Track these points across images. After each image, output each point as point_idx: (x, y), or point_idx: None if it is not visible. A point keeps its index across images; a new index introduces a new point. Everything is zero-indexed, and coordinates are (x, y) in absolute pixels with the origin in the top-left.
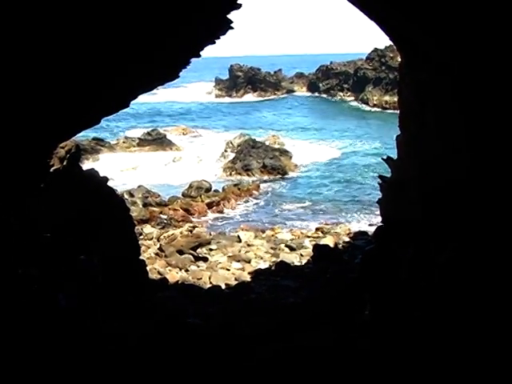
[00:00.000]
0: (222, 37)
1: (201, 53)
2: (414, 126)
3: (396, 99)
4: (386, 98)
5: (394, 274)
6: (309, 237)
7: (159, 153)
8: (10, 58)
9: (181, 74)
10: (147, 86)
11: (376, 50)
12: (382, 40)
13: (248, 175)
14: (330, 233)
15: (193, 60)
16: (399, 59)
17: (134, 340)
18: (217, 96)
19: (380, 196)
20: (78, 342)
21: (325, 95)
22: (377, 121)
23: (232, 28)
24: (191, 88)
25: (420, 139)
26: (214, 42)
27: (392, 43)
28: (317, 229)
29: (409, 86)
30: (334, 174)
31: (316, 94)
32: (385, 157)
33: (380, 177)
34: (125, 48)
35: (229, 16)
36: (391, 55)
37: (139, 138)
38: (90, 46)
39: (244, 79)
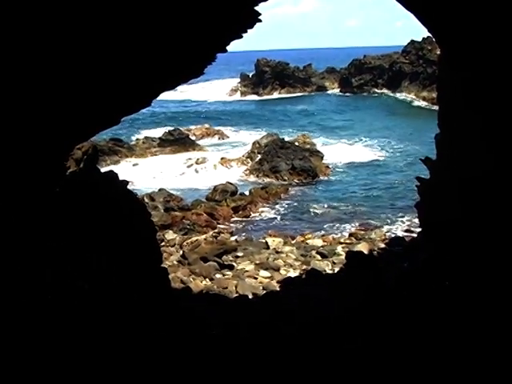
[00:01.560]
0: (249, 30)
1: (227, 47)
2: (456, 124)
3: (434, 95)
4: (424, 93)
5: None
6: (341, 243)
7: (181, 154)
8: (24, 52)
9: (205, 70)
10: (170, 83)
11: (413, 42)
12: (420, 31)
13: (276, 178)
14: (365, 239)
15: (218, 55)
16: (438, 52)
17: (155, 352)
18: (242, 93)
19: (418, 199)
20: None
21: (358, 91)
22: (415, 118)
23: (260, 21)
24: (215, 84)
25: (462, 139)
26: (241, 36)
27: (431, 35)
28: (350, 234)
29: (450, 83)
30: (369, 177)
31: (347, 94)
32: (423, 157)
33: (418, 179)
34: (146, 43)
35: (256, 8)
36: (429, 48)
37: (160, 138)
38: (109, 41)
39: (271, 75)
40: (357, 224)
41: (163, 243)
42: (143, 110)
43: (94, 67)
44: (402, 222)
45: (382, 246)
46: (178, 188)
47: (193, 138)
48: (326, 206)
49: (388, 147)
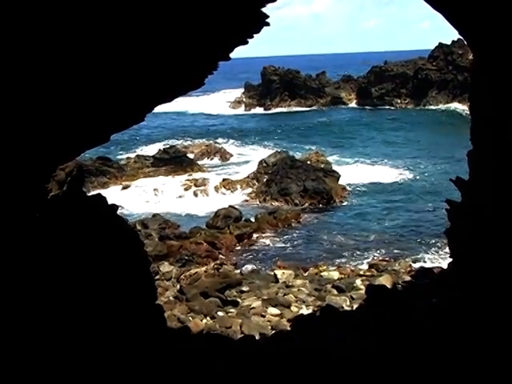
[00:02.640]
0: (255, 35)
1: (230, 55)
2: (492, 139)
3: (466, 106)
4: (454, 104)
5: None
6: (361, 276)
7: (178, 175)
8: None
9: (206, 80)
10: (167, 96)
11: (441, 45)
12: (449, 33)
13: (286, 201)
14: (387, 271)
15: (220, 63)
16: (470, 57)
17: None
18: (247, 105)
19: (448, 225)
20: None
21: (378, 102)
22: (447, 132)
23: (268, 24)
24: (216, 96)
25: (499, 156)
26: (247, 42)
27: (461, 37)
28: (370, 266)
29: (484, 92)
30: (392, 200)
31: (367, 107)
32: (454, 177)
33: (448, 202)
34: (140, 51)
35: (263, 9)
36: (460, 52)
37: (154, 157)
38: (97, 48)
39: (280, 84)
40: (378, 254)
41: (158, 276)
42: (135, 125)
43: (81, 75)
44: (429, 251)
45: (407, 278)
46: (174, 213)
47: (191, 156)
48: (342, 233)
49: (414, 166)
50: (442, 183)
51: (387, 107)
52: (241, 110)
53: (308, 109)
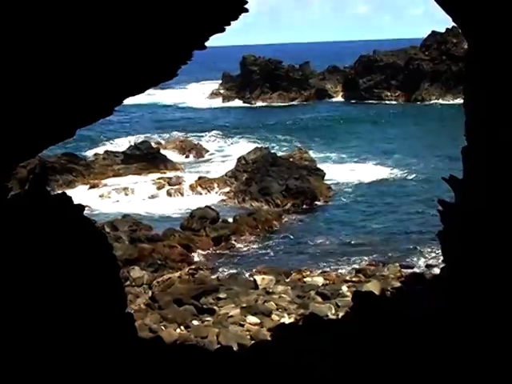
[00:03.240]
0: (232, 22)
1: (206, 43)
2: (487, 135)
3: (461, 99)
4: (448, 97)
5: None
6: (347, 281)
7: (150, 173)
8: None
9: (179, 70)
10: (136, 87)
11: (434, 34)
12: (442, 20)
13: (266, 202)
14: (375, 276)
15: (195, 53)
16: (466, 46)
17: None
18: (225, 98)
19: (441, 227)
20: None
21: (366, 95)
22: (437, 126)
23: (246, 10)
24: (192, 88)
25: (494, 152)
26: (224, 30)
27: (456, 25)
28: (358, 271)
29: (480, 84)
30: (380, 200)
31: (355, 100)
32: (447, 176)
33: (441, 202)
34: (107, 39)
35: None
36: (454, 41)
37: (124, 153)
38: (58, 32)
39: (260, 75)
40: (366, 258)
41: (128, 282)
42: (103, 119)
43: (43, 62)
44: (421, 255)
45: (397, 284)
46: (146, 214)
47: (165, 152)
48: (327, 235)
49: (405, 165)
50: (435, 182)
51: (376, 102)
52: (218, 103)
53: (290, 103)
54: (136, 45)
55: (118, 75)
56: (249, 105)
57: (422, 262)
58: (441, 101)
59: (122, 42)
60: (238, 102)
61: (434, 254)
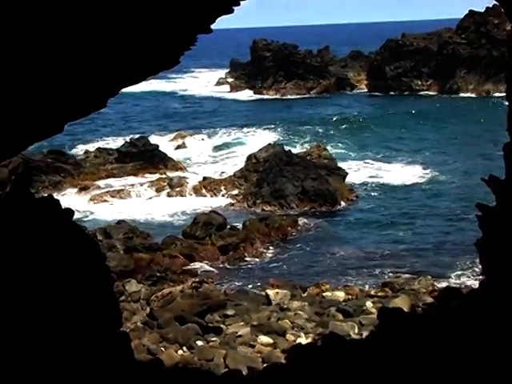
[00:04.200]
0: (242, 1)
1: (212, 26)
2: None
3: (504, 89)
4: (488, 86)
5: None
6: (372, 296)
7: (149, 173)
8: None
9: (182, 57)
10: (132, 77)
11: (472, 13)
12: None
13: (280, 205)
14: (405, 290)
15: (200, 37)
16: (508, 27)
17: None
18: (233, 88)
19: (479, 235)
20: None
21: (394, 84)
22: (474, 121)
23: None
24: (196, 76)
25: None
26: (232, 11)
27: (497, 3)
28: (384, 285)
29: None
30: (410, 204)
31: (380, 93)
32: (486, 177)
33: (479, 206)
34: (102, 22)
35: None
36: (496, 21)
37: (119, 151)
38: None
39: (273, 62)
40: (393, 270)
41: (123, 297)
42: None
43: (29, 48)
44: (456, 266)
45: (429, 300)
46: (143, 220)
47: (165, 149)
48: (349, 244)
49: (438, 164)
50: (472, 184)
51: (405, 93)
52: (226, 94)
53: (307, 95)
54: (132, 27)
55: (113, 62)
56: (260, 96)
57: (457, 274)
58: (479, 90)
59: (117, 24)
60: (247, 93)
61: (471, 265)
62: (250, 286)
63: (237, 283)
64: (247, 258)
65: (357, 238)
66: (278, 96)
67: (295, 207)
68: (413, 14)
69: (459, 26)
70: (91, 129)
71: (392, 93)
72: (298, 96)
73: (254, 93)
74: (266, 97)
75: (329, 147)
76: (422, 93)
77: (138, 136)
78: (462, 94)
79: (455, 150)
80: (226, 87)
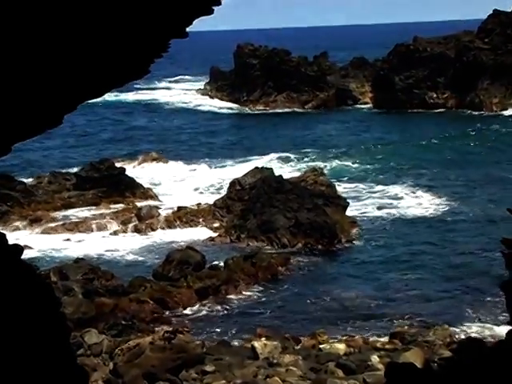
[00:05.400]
0: (225, 0)
1: (187, 29)
2: None
3: None
4: None
5: None
6: (378, 349)
7: (113, 202)
8: None
9: (153, 65)
10: (94, 90)
11: (497, 13)
12: None
13: (269, 241)
14: (417, 342)
15: (174, 41)
16: None
17: None
18: (212, 101)
19: (506, 275)
20: None
21: (404, 97)
22: (499, 145)
23: None
24: (169, 88)
25: None
26: (212, 11)
27: None
28: (392, 335)
29: None
30: (422, 240)
31: (388, 109)
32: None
33: (505, 242)
34: (59, 28)
35: None
36: None
37: (77, 175)
38: None
39: (261, 71)
40: (403, 318)
41: (82, 351)
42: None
43: None
44: (478, 313)
45: (447, 353)
46: (106, 258)
47: (132, 174)
48: (351, 287)
49: (455, 194)
50: (496, 217)
51: (416, 109)
52: (204, 108)
53: (301, 109)
54: (92, 31)
55: (69, 71)
56: (246, 110)
57: (479, 322)
58: (505, 104)
59: (72, 25)
60: (230, 106)
61: (495, 311)
62: (232, 337)
63: (217, 333)
64: (230, 304)
65: (360, 280)
66: (266, 109)
67: (287, 243)
68: (426, 15)
69: (481, 28)
70: (44, 150)
71: (402, 108)
72: (289, 109)
73: (239, 106)
74: (252, 111)
75: (326, 171)
76: (436, 110)
77: (100, 158)
78: (484, 110)
79: (475, 179)
80: (205, 100)
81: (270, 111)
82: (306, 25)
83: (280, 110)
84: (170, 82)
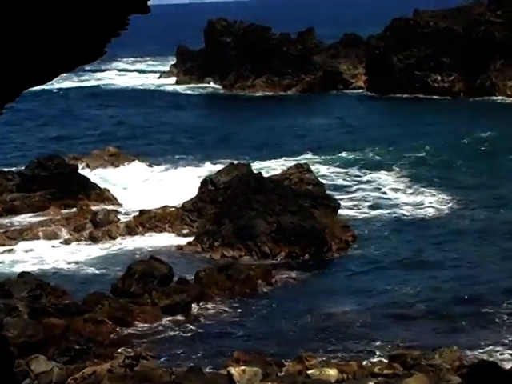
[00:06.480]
0: None
1: (149, 2)
2: None
3: None
4: None
5: None
6: (376, 375)
7: (64, 204)
8: None
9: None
10: (42, 75)
11: None
12: None
13: (248, 249)
14: (421, 366)
15: (134, 17)
16: None
17: None
18: (181, 85)
19: None
20: None
21: (403, 79)
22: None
23: None
24: (128, 71)
25: None
26: None
27: None
28: (392, 358)
29: None
30: (425, 247)
31: (385, 94)
32: None
33: None
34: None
35: None
36: None
37: (21, 174)
38: None
39: (236, 50)
40: (404, 338)
41: (28, 381)
42: None
43: None
44: (492, 332)
45: (456, 380)
46: (56, 272)
47: (86, 172)
48: (343, 302)
49: (465, 194)
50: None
51: (418, 95)
52: (169, 94)
53: (283, 93)
54: (39, 9)
55: (12, 54)
56: (220, 93)
57: (494, 343)
58: None
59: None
60: (200, 92)
61: (509, 329)
62: (204, 363)
63: (187, 358)
64: (202, 323)
65: (353, 295)
66: (242, 94)
67: (268, 252)
68: None
69: (493, 0)
70: None
71: (401, 94)
72: (270, 93)
73: (210, 91)
74: (226, 94)
75: (313, 168)
76: (439, 96)
77: (48, 154)
78: (497, 95)
79: (489, 176)
80: (171, 84)
81: (248, 94)
82: None
83: (259, 94)
84: (128, 63)
